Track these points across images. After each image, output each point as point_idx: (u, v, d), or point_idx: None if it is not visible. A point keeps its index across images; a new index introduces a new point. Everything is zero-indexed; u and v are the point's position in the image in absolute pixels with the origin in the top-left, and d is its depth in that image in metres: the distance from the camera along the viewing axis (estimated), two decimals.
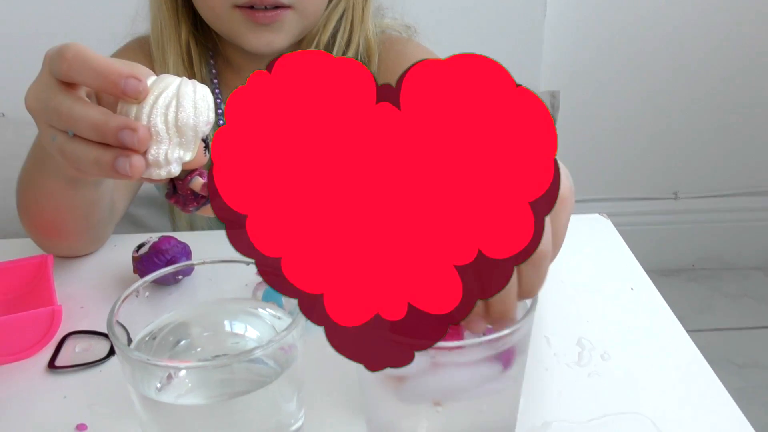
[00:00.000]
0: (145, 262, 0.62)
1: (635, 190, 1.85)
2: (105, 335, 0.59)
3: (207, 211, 0.45)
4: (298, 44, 0.79)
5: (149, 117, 0.41)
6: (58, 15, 1.43)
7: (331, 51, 0.79)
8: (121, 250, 0.72)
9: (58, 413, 0.52)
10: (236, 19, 0.72)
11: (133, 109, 0.42)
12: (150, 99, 0.41)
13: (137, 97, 0.41)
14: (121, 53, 0.84)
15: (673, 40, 1.68)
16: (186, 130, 0.42)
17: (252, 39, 0.73)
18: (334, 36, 0.79)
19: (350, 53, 0.79)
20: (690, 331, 0.59)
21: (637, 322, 0.60)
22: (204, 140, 0.43)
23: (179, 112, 0.41)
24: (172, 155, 0.42)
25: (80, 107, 0.43)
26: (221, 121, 0.84)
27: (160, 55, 0.79)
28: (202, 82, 0.82)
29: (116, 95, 0.42)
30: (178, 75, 0.80)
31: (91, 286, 0.67)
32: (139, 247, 0.64)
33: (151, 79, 0.42)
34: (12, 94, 1.45)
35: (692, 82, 1.72)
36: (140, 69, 0.43)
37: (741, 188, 1.85)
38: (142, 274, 0.62)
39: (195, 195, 0.45)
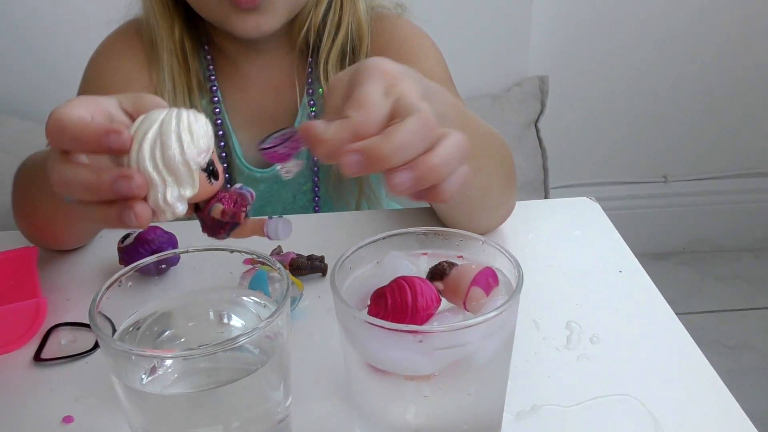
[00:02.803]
0: (130, 252, 0.62)
1: (625, 174, 1.85)
2: (91, 327, 0.59)
3: (239, 234, 0.43)
4: (290, 26, 0.78)
5: (137, 163, 0.39)
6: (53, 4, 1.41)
7: (322, 33, 0.78)
8: (107, 240, 0.71)
9: (44, 406, 0.52)
10: (223, 4, 0.71)
11: (124, 158, 0.40)
12: (135, 145, 0.39)
13: (122, 148, 0.39)
14: (116, 38, 0.83)
15: (660, 24, 1.67)
16: (176, 167, 0.39)
17: (239, 23, 0.72)
18: (324, 18, 0.78)
19: (341, 34, 0.78)
20: (681, 314, 0.59)
21: (625, 304, 0.60)
22: (208, 167, 0.41)
23: (164, 150, 0.39)
24: (171, 196, 0.39)
25: (70, 170, 0.40)
26: (217, 109, 0.83)
27: (153, 49, 0.79)
28: (196, 74, 0.82)
29: (103, 153, 0.40)
30: (171, 70, 0.80)
31: (76, 278, 0.66)
32: (125, 237, 0.63)
33: (140, 118, 0.40)
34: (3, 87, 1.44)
35: (681, 65, 1.72)
36: (146, 101, 0.42)
37: (730, 170, 1.85)
38: (127, 265, 0.61)
39: (220, 222, 0.43)
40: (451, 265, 0.40)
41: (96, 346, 0.57)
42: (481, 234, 0.44)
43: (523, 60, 1.64)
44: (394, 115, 0.40)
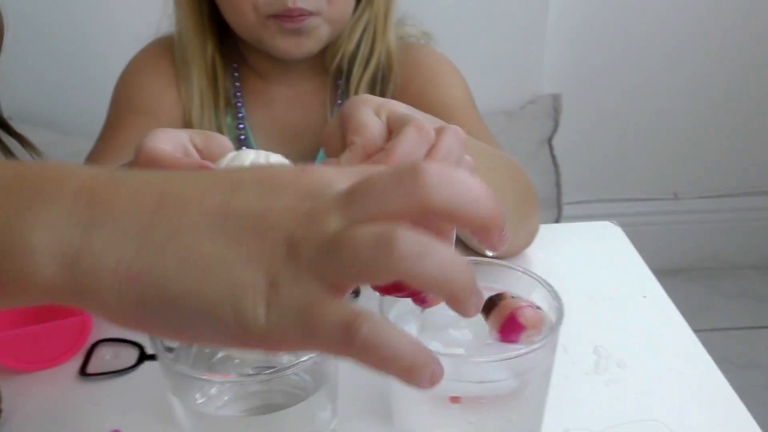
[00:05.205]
0: None
1: (636, 191, 1.87)
2: (133, 343, 0.61)
3: None
4: (323, 53, 0.80)
5: None
6: (83, 18, 1.43)
7: (354, 61, 0.81)
8: None
9: (91, 420, 0.54)
10: (270, 27, 0.74)
11: None
12: None
13: None
14: (145, 56, 0.86)
15: (673, 42, 1.70)
16: None
17: (281, 44, 0.76)
18: (358, 46, 0.80)
19: (372, 63, 0.81)
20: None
21: (650, 329, 0.62)
22: None
23: None
24: None
25: None
26: (241, 125, 0.86)
27: (183, 68, 0.81)
28: (225, 93, 0.84)
29: None
30: (200, 87, 0.82)
31: None
32: None
33: (229, 156, 0.42)
34: (22, 96, 1.46)
35: (693, 83, 1.74)
36: (216, 141, 0.45)
37: (740, 188, 1.87)
38: None
39: None
40: (498, 300, 0.42)
41: (139, 362, 0.59)
42: (503, 258, 0.46)
43: (537, 78, 1.67)
44: (390, 131, 0.43)
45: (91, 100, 1.17)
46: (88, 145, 0.93)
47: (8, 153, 0.76)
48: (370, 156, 0.42)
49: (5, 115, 0.78)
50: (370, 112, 0.45)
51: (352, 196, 0.27)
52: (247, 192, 0.27)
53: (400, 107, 0.46)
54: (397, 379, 0.26)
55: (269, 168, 0.29)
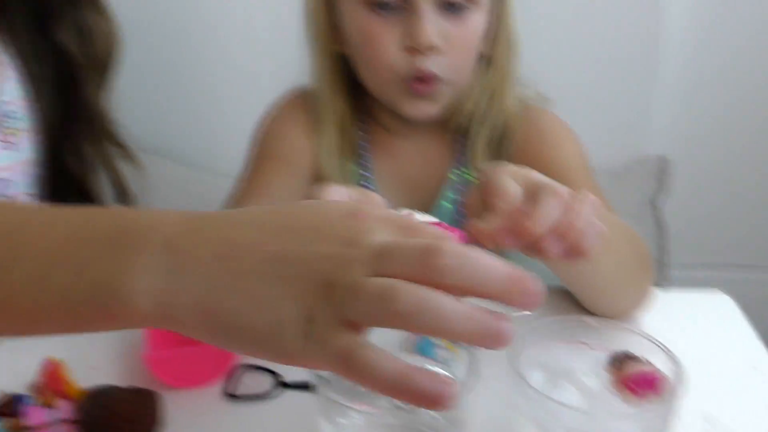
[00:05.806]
0: None
1: (744, 257, 1.82)
2: (269, 371, 0.67)
3: None
4: (446, 110, 0.86)
5: None
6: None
7: (473, 119, 0.86)
8: None
9: None
10: (400, 89, 0.82)
11: None
12: None
13: None
14: (283, 105, 0.94)
15: None
16: None
17: (410, 107, 0.83)
18: (478, 106, 0.86)
19: (491, 122, 0.86)
20: None
21: (761, 401, 0.63)
22: None
23: None
24: None
25: None
26: (366, 173, 0.93)
27: (317, 119, 0.89)
28: (352, 143, 0.92)
29: None
30: (331, 138, 0.90)
31: None
32: None
33: None
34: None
35: None
36: (371, 198, 0.52)
37: None
38: None
39: None
40: (627, 358, 0.46)
41: (273, 389, 0.65)
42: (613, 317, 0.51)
43: (643, 138, 1.67)
44: (527, 194, 0.50)
45: (224, 137, 1.29)
46: (218, 180, 1.03)
47: (129, 157, 0.85)
48: (510, 218, 0.48)
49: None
50: (509, 179, 0.51)
51: (380, 254, 0.33)
52: (298, 238, 0.34)
53: (535, 174, 0.52)
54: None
55: (326, 213, 0.36)
